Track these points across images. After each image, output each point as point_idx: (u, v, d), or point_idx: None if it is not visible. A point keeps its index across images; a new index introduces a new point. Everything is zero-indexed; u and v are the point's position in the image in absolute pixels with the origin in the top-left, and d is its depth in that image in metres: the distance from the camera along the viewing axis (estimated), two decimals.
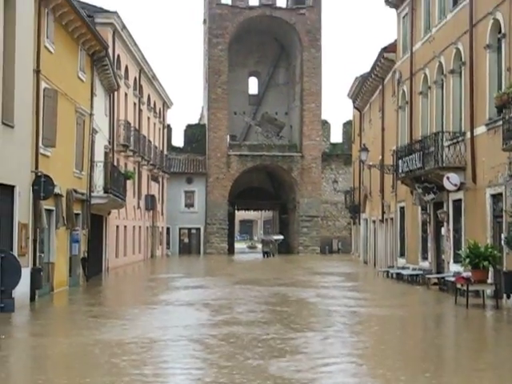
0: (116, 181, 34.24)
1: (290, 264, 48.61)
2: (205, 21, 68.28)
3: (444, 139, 27.09)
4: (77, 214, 28.44)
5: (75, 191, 27.68)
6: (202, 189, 63.89)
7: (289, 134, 68.25)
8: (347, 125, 67.76)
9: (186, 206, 64.15)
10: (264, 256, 61.24)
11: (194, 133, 67.74)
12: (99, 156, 34.32)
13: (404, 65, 34.47)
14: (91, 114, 31.05)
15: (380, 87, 41.25)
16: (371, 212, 45.27)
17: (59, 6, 25.03)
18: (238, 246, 79.15)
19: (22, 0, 21.25)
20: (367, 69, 43.26)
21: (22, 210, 21.44)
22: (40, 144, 23.35)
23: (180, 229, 64.52)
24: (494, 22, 23.59)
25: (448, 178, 26.01)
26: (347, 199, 56.02)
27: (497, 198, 23.53)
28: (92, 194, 31.03)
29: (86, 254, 30.53)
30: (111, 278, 35.16)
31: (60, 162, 25.97)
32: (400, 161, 30.94)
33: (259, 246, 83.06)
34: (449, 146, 26.89)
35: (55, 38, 25.34)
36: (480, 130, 24.62)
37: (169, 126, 65.62)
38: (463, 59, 26.43)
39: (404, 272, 32.04)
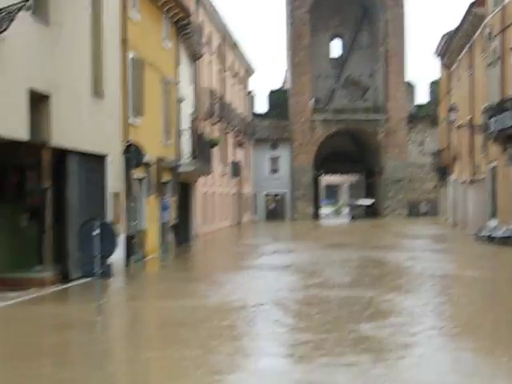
0: (202, 148, 34.46)
1: (378, 228, 48.26)
2: None
3: None
4: (166, 182, 28.83)
5: (164, 159, 28.00)
6: (286, 154, 63.83)
7: (373, 97, 67.38)
8: (434, 84, 66.39)
9: (271, 171, 64.26)
10: (351, 219, 61.02)
11: (278, 98, 67.53)
12: (185, 124, 34.59)
13: (494, 19, 33.45)
14: (177, 83, 31.25)
15: (469, 44, 40.18)
16: (460, 173, 44.39)
17: None
18: (323, 210, 78.97)
19: None
20: (455, 25, 42.19)
21: (114, 179, 21.85)
22: (129, 114, 23.66)
23: (266, 195, 64.73)
24: None
25: None
26: (435, 161, 55.01)
27: None
28: (180, 162, 31.32)
29: (175, 221, 30.92)
30: (200, 244, 35.59)
31: (148, 131, 26.27)
32: (492, 119, 30.15)
33: (345, 210, 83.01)
34: None
35: (140, 6, 25.55)
36: None
37: (251, 92, 65.59)
38: None
39: (497, 233, 31.34)
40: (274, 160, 64.41)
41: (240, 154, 55.76)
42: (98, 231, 13.32)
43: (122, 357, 11.12)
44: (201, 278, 20.18)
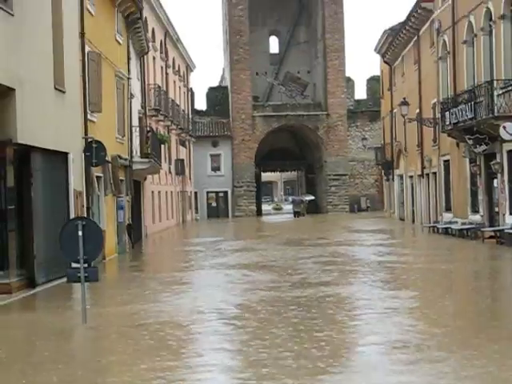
0: (153, 145, 33.57)
1: (326, 223, 48.02)
2: None
3: (495, 88, 26.21)
4: (121, 181, 27.85)
5: (120, 157, 27.05)
6: (227, 152, 63.15)
7: (312, 93, 67.20)
8: (372, 81, 66.65)
9: (212, 169, 63.49)
10: (295, 216, 60.85)
11: (217, 95, 66.82)
12: (135, 121, 33.63)
13: (444, 13, 33.43)
14: (129, 78, 30.30)
15: (415, 39, 40.18)
16: (407, 167, 44.45)
17: None
18: (264, 207, 78.54)
19: None
20: (396, 21, 42.16)
21: (75, 178, 20.85)
22: (88, 109, 22.67)
23: (208, 192, 63.92)
24: None
25: (505, 127, 25.10)
26: (378, 156, 55.09)
27: None
28: (133, 160, 30.38)
29: (130, 221, 29.99)
30: (154, 244, 34.68)
31: (104, 128, 25.32)
32: (447, 113, 30.04)
33: (285, 207, 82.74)
34: (501, 95, 26.01)
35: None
36: None
37: (191, 89, 64.67)
38: None
39: (454, 226, 31.32)
40: (215, 157, 63.69)
41: (183, 152, 54.85)
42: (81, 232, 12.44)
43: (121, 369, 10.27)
44: (166, 281, 19.19)
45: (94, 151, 21.69)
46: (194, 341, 11.35)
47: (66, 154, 20.17)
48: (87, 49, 23.00)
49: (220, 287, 17.45)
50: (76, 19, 21.79)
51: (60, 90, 19.61)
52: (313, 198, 65.21)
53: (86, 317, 12.45)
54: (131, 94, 31.16)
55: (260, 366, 9.22)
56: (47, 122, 18.58)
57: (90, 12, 23.67)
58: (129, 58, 30.56)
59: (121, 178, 27.56)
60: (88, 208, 22.04)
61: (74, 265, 13.15)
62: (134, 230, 30.51)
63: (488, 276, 19.25)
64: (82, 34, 22.32)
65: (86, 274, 12.62)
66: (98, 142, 21.97)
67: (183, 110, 54.55)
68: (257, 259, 23.90)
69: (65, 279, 18.93)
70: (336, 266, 20.75)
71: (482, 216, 29.51)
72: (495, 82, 26.31)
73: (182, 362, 9.73)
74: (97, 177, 23.95)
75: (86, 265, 12.56)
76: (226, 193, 63.74)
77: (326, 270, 19.91)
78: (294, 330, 11.58)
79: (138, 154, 32.58)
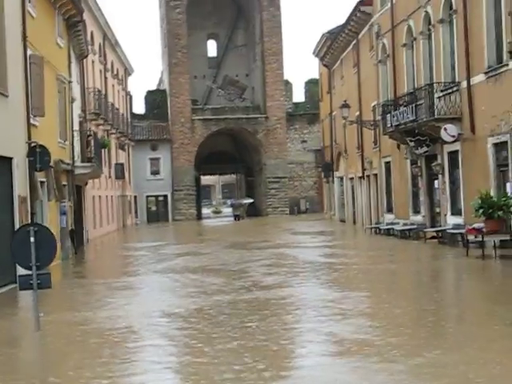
0: (96, 150, 33.17)
1: (267, 226, 48.11)
2: None
3: (435, 90, 26.65)
4: (63, 185, 27.43)
5: (62, 162, 26.64)
6: (167, 155, 62.79)
7: (251, 96, 67.37)
8: (309, 83, 67.09)
9: (151, 173, 63.04)
10: (235, 219, 60.85)
11: (155, 99, 66.38)
12: (75, 125, 33.15)
13: (383, 17, 33.83)
14: (70, 82, 29.87)
15: (354, 42, 40.55)
16: (347, 169, 44.85)
17: None
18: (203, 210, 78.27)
19: None
20: (330, 25, 42.58)
21: (19, 183, 20.45)
22: (30, 113, 22.26)
23: (147, 197, 63.46)
24: None
25: (446, 129, 25.52)
26: (317, 158, 55.50)
27: (500, 146, 23.18)
28: (75, 164, 29.96)
29: (73, 226, 29.56)
30: (96, 249, 34.28)
31: (46, 132, 24.88)
32: (388, 115, 30.40)
33: (224, 210, 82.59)
34: (441, 97, 26.46)
35: (35, 1, 24.12)
36: (478, 78, 24.13)
37: (129, 92, 64.12)
38: (454, 7, 25.85)
39: (396, 227, 31.71)
40: (155, 161, 63.26)
41: (122, 156, 54.35)
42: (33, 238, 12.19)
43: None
44: (113, 287, 18.98)
45: (37, 156, 21.28)
46: (142, 348, 11.16)
47: (9, 159, 19.78)
48: (29, 52, 22.58)
49: (167, 291, 17.40)
50: (18, 22, 21.37)
51: (3, 94, 19.21)
52: (252, 200, 65.30)
53: (39, 324, 12.20)
54: (72, 98, 30.71)
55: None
56: None
57: (31, 15, 23.25)
58: (69, 62, 30.13)
59: (63, 182, 27.14)
60: (32, 214, 21.62)
61: (20, 271, 12.90)
62: (76, 236, 30.07)
63: (434, 275, 19.52)
64: (24, 37, 21.89)
65: (39, 281, 12.38)
66: (41, 146, 21.59)
67: (122, 114, 54.08)
68: (202, 263, 23.82)
69: (9, 286, 18.84)
70: (283, 269, 20.80)
71: (423, 217, 29.95)
72: (435, 85, 26.75)
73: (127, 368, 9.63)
74: (40, 182, 23.52)
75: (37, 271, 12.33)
76: (165, 196, 63.37)
77: (272, 272, 19.96)
78: (241, 335, 11.57)
79: (79, 158, 32.15)
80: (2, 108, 19.17)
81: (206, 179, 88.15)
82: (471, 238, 22.50)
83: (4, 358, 10.88)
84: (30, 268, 12.24)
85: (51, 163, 24.59)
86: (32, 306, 12.38)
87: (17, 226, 19.58)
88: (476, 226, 21.80)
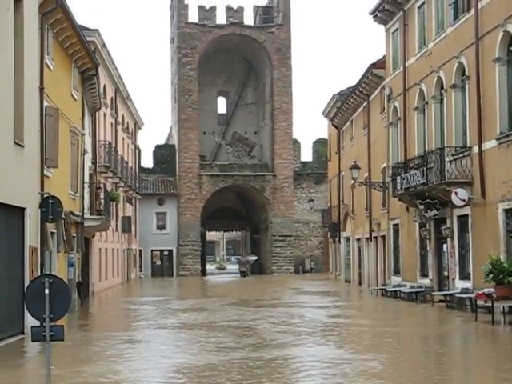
0: (105, 202, 33.34)
1: (272, 284, 47.95)
2: (172, 40, 67.73)
3: (446, 154, 26.85)
4: (73, 237, 27.52)
5: (72, 213, 26.76)
6: (173, 210, 62.97)
7: (259, 154, 67.79)
8: (317, 143, 67.65)
9: (157, 227, 63.13)
10: (241, 276, 60.73)
11: (163, 153, 66.92)
12: (86, 177, 33.39)
13: (395, 80, 34.26)
14: (83, 134, 30.18)
15: (365, 104, 41.01)
16: (355, 230, 44.89)
17: (58, 22, 24.24)
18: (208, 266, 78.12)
19: (29, 14, 20.46)
20: (340, 87, 43.12)
21: (31, 233, 20.53)
22: (44, 165, 22.46)
23: (152, 251, 63.46)
24: (505, 34, 23.40)
25: (456, 193, 25.69)
26: (324, 217, 55.60)
27: (510, 212, 23.26)
28: (85, 216, 30.08)
29: (80, 278, 29.56)
30: (101, 302, 34.17)
31: (58, 183, 25.09)
32: (398, 177, 30.57)
33: (228, 266, 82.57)
34: (452, 161, 26.64)
35: (53, 54, 24.54)
36: (489, 144, 24.38)
37: (139, 146, 64.57)
38: (467, 73, 26.22)
39: (403, 289, 31.61)
40: (161, 216, 63.42)
41: (129, 209, 54.51)
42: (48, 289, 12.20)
43: None
44: (121, 340, 18.96)
45: (50, 207, 21.40)
46: None
47: (22, 210, 19.89)
48: (45, 103, 22.88)
49: (173, 347, 17.35)
50: (36, 73, 21.70)
51: (19, 145, 19.42)
52: (256, 258, 65.23)
53: (50, 377, 12.14)
54: (84, 150, 30.98)
55: None
56: (6, 177, 18.33)
57: (48, 66, 23.61)
58: (83, 114, 30.48)
59: (72, 234, 27.24)
60: (42, 264, 21.64)
61: (31, 322, 12.86)
62: (83, 288, 30.04)
63: (442, 340, 19.40)
64: (41, 89, 22.21)
65: (52, 333, 12.34)
66: (54, 197, 21.72)
67: (131, 167, 54.36)
68: (208, 319, 23.75)
69: (17, 337, 18.80)
70: (291, 327, 20.75)
71: (431, 280, 29.90)
72: (446, 149, 26.96)
73: None
74: (50, 232, 23.61)
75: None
76: (170, 251, 63.36)
77: (279, 331, 19.89)
78: None
79: (88, 210, 32.31)
80: (17, 158, 19.36)
81: (210, 235, 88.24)
82: (480, 303, 22.43)
83: None
84: (43, 320, 12.21)
85: (62, 215, 24.78)
86: (45, 358, 12.29)
87: (27, 276, 19.63)
88: (486, 291, 21.73)
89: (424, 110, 30.83)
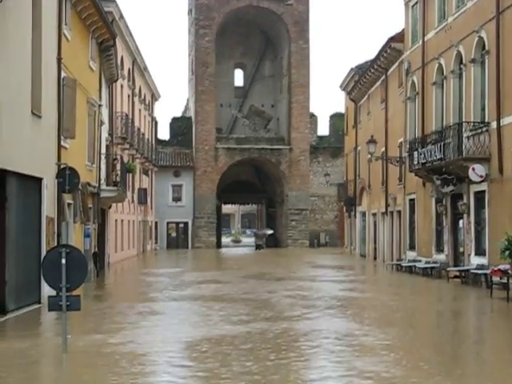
0: (122, 174, 33.44)
1: (287, 258, 48.09)
2: (190, 11, 67.48)
3: (464, 130, 26.69)
4: (89, 208, 27.63)
5: (89, 184, 26.87)
6: (189, 182, 63.04)
7: (276, 127, 67.64)
8: (334, 117, 67.43)
9: (173, 199, 63.27)
10: (256, 249, 60.99)
11: (180, 125, 66.88)
12: (103, 148, 33.46)
13: (414, 55, 34.00)
14: (100, 105, 30.20)
15: (383, 78, 40.78)
16: (370, 205, 44.85)
17: None
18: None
19: None
20: (358, 60, 42.84)
21: (48, 204, 20.64)
22: (61, 135, 22.53)
23: (168, 223, 63.66)
24: None
25: (474, 169, 25.54)
26: (340, 192, 55.54)
27: None
28: (101, 188, 30.20)
29: (96, 249, 29.74)
30: (117, 273, 34.41)
31: (75, 154, 25.14)
32: (415, 152, 30.44)
33: (244, 239, 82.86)
34: (470, 137, 26.49)
35: (71, 24, 24.50)
36: (508, 119, 24.20)
37: (155, 118, 64.52)
38: (487, 48, 25.98)
39: (418, 265, 31.61)
40: (177, 188, 63.50)
41: (145, 181, 54.65)
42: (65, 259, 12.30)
43: None
44: (138, 312, 19.09)
45: (67, 178, 21.45)
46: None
47: (40, 180, 19.98)
48: (63, 74, 22.88)
49: (188, 320, 17.43)
50: (54, 44, 21.70)
51: (37, 115, 19.47)
52: (272, 231, 65.37)
53: (66, 346, 12.28)
54: (101, 122, 31.02)
55: None
56: (23, 147, 18.41)
57: (66, 37, 23.58)
58: (100, 85, 30.48)
59: (89, 205, 27.35)
60: (58, 235, 21.78)
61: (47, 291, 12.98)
62: (99, 259, 30.22)
63: (456, 315, 19.42)
64: (59, 59, 22.21)
65: (68, 303, 12.46)
66: (71, 168, 21.77)
67: (147, 139, 54.44)
68: (223, 292, 23.89)
69: (33, 306, 18.97)
70: (307, 301, 20.83)
71: (446, 255, 29.85)
72: (464, 124, 26.79)
73: None
74: (67, 203, 23.73)
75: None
76: (186, 223, 63.52)
77: (295, 304, 20.00)
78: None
79: (105, 181, 32.42)
80: (35, 129, 19.42)
81: (225, 208, 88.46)
82: (496, 279, 22.41)
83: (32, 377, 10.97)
84: (60, 289, 12.32)
85: (79, 185, 24.88)
86: (62, 327, 12.45)
87: (43, 246, 19.76)
88: (501, 267, 21.70)
89: (442, 84, 30.61)
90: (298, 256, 49.02)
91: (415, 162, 30.52)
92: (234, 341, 14.02)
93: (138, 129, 48.29)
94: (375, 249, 43.22)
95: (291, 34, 64.14)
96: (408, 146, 32.41)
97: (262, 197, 71.90)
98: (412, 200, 34.79)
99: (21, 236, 18.41)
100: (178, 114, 73.62)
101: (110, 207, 36.85)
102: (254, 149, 63.74)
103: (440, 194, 29.71)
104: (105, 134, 35.20)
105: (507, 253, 21.06)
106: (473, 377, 11.23)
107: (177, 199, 63.33)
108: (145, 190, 51.63)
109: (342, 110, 59.52)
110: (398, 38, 36.38)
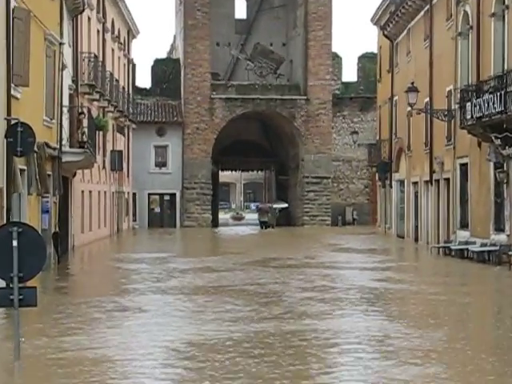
0: (89, 132, 33.48)
1: (304, 239, 48.41)
2: None
3: None
4: (48, 176, 27.69)
5: (47, 145, 26.88)
6: (177, 143, 63.04)
7: (288, 72, 67.49)
8: (364, 59, 67.21)
9: (156, 165, 63.33)
10: (262, 227, 61.12)
11: (165, 70, 66.87)
12: (65, 99, 33.44)
13: None
14: (61, 44, 30.17)
15: (426, 8, 40.66)
16: (410, 171, 44.91)
17: None
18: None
19: None
20: None
21: None
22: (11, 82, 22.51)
23: (149, 195, 63.73)
24: None
25: None
26: (371, 155, 55.54)
27: None
28: (63, 150, 30.26)
29: (57, 229, 29.85)
30: (84, 258, 34.66)
31: (30, 107, 25.17)
32: (468, 104, 30.39)
33: (247, 216, 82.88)
34: None
35: None
36: None
37: (133, 60, 64.38)
38: None
39: (472, 248, 31.68)
40: (161, 150, 63.54)
41: (120, 142, 54.68)
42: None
43: None
44: (106, 309, 19.17)
45: (18, 136, 21.40)
46: None
47: None
48: (12, 3, 22.79)
49: (174, 317, 17.57)
50: None
51: None
52: (286, 205, 65.41)
53: (19, 353, 12.29)
54: (63, 65, 30.99)
55: None
56: None
57: None
58: (61, 18, 30.43)
59: (47, 172, 27.41)
60: (8, 210, 21.79)
61: None
62: (60, 241, 30.32)
63: None
64: None
65: (21, 297, 12.42)
66: (24, 124, 21.71)
67: (123, 88, 54.39)
68: (219, 283, 24.05)
69: None
70: (328, 294, 20.92)
71: (508, 236, 29.86)
72: None
73: None
74: (19, 170, 23.73)
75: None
76: (173, 196, 63.63)
77: (313, 299, 20.10)
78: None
79: (68, 142, 32.47)
80: None
81: (224, 176, 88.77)
82: None
83: None
84: (10, 280, 12.30)
85: (35, 147, 24.89)
86: (13, 328, 12.48)
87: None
88: None
89: (504, 16, 30.45)
90: (318, 237, 49.22)
91: (468, 117, 30.50)
92: (237, 346, 14.05)
93: (111, 74, 48.22)
94: (416, 228, 43.36)
95: None
96: (459, 95, 32.37)
97: (271, 161, 71.87)
98: (464, 165, 34.83)
99: None
100: (163, 56, 73.66)
101: (74, 175, 36.93)
102: (260, 99, 63.61)
103: (500, 156, 29.69)
104: (68, 81, 35.17)
105: None
106: None
107: (161, 165, 63.39)
108: (120, 152, 51.63)
109: (374, 50, 59.38)
110: None
